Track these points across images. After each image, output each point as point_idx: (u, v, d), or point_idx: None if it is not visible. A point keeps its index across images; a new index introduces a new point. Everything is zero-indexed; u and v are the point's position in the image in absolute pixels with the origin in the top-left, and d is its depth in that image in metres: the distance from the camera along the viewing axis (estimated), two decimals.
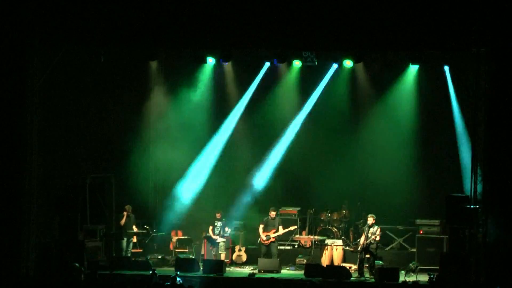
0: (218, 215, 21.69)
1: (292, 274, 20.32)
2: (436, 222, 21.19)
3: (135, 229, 21.82)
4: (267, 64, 22.23)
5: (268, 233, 21.00)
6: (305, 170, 23.15)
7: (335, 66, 21.97)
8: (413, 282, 18.21)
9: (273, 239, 20.98)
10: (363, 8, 18.57)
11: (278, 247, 21.56)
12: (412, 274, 19.88)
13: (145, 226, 22.25)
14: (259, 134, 23.43)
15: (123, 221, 21.59)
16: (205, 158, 23.25)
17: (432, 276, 18.84)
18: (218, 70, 22.81)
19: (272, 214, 21.22)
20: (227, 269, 20.57)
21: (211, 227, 21.62)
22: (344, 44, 19.21)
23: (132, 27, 19.05)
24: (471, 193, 18.79)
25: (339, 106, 22.87)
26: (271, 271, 20.05)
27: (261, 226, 21.13)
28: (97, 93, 22.29)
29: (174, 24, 19.05)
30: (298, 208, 22.95)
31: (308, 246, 21.73)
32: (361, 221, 22.06)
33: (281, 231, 21.11)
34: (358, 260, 20.09)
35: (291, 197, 23.29)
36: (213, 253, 21.46)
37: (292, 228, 21.33)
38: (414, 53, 19.79)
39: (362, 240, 20.17)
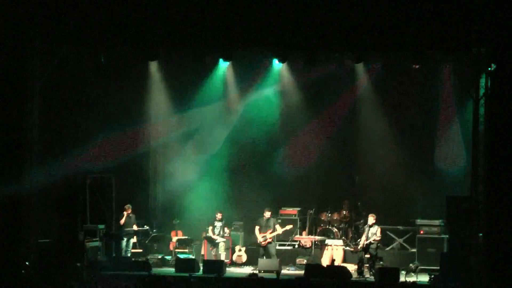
0: (218, 216, 21.68)
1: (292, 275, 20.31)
2: (437, 222, 21.18)
3: (135, 228, 21.81)
4: (267, 64, 22.24)
5: (264, 234, 20.96)
6: (305, 169, 23.14)
7: (335, 65, 21.97)
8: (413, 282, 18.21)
9: (270, 240, 20.93)
10: (363, 8, 18.54)
11: (278, 247, 21.53)
12: (413, 274, 19.85)
13: (145, 226, 22.25)
14: (259, 134, 23.42)
15: (123, 221, 21.57)
16: (205, 158, 23.26)
17: (432, 276, 18.84)
18: (218, 69, 22.81)
19: (267, 214, 21.16)
20: (227, 269, 20.54)
21: (211, 227, 21.62)
22: (344, 44, 19.20)
23: (132, 27, 19.03)
24: (472, 193, 18.78)
25: (340, 106, 22.88)
26: (272, 272, 20.02)
27: (257, 228, 21.07)
28: (97, 93, 22.28)
29: (174, 24, 19.03)
30: (298, 208, 22.94)
31: (308, 246, 21.70)
32: (361, 221, 22.06)
33: (279, 230, 21.06)
34: (358, 260, 20.10)
35: (291, 197, 23.27)
36: (213, 253, 21.45)
37: (288, 227, 21.25)
38: (414, 53, 19.75)
39: (362, 240, 20.17)
